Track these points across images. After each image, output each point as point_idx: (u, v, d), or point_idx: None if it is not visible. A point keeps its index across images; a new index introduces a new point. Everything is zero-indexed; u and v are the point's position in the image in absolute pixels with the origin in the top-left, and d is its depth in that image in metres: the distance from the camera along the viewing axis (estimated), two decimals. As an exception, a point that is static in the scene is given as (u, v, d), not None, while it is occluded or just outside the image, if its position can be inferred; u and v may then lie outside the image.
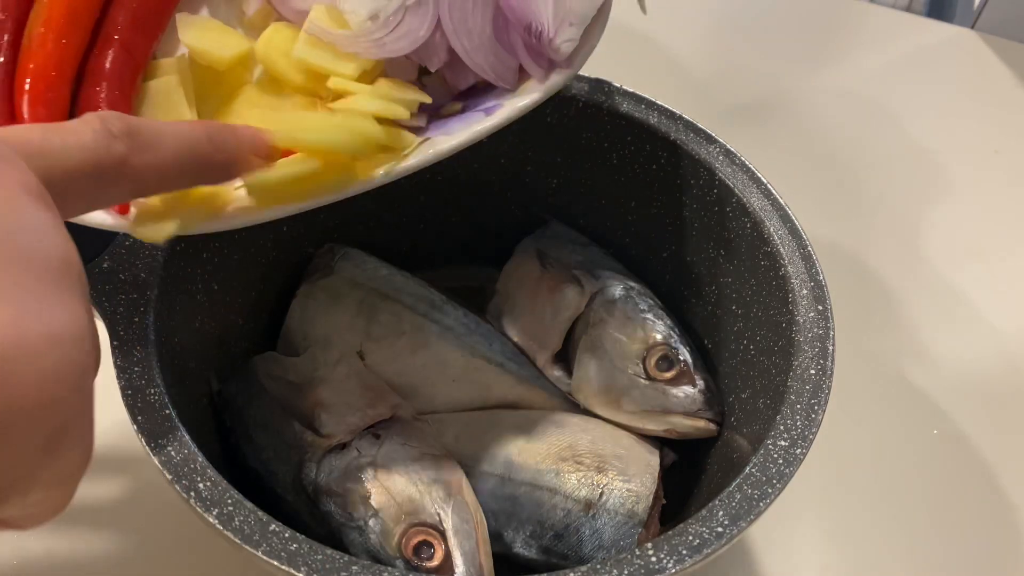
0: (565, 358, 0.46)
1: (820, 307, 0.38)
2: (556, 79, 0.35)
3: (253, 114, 0.34)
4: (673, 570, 0.29)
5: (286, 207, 0.32)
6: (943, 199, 0.68)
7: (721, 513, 0.31)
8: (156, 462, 0.31)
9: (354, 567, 0.28)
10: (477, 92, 0.37)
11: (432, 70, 0.36)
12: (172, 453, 0.31)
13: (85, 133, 0.24)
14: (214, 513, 0.30)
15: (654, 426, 0.43)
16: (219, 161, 0.29)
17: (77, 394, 0.20)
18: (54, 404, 0.19)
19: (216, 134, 0.28)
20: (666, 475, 0.43)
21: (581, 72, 0.46)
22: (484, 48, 0.35)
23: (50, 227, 0.20)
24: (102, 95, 0.33)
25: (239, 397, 0.42)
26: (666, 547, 0.30)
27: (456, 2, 0.34)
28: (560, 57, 0.35)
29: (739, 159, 0.43)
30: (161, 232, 0.30)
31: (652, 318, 0.45)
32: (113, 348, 0.34)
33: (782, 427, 0.34)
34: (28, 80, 0.32)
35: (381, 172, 0.32)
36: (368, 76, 0.34)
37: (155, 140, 0.26)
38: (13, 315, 0.18)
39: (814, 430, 0.34)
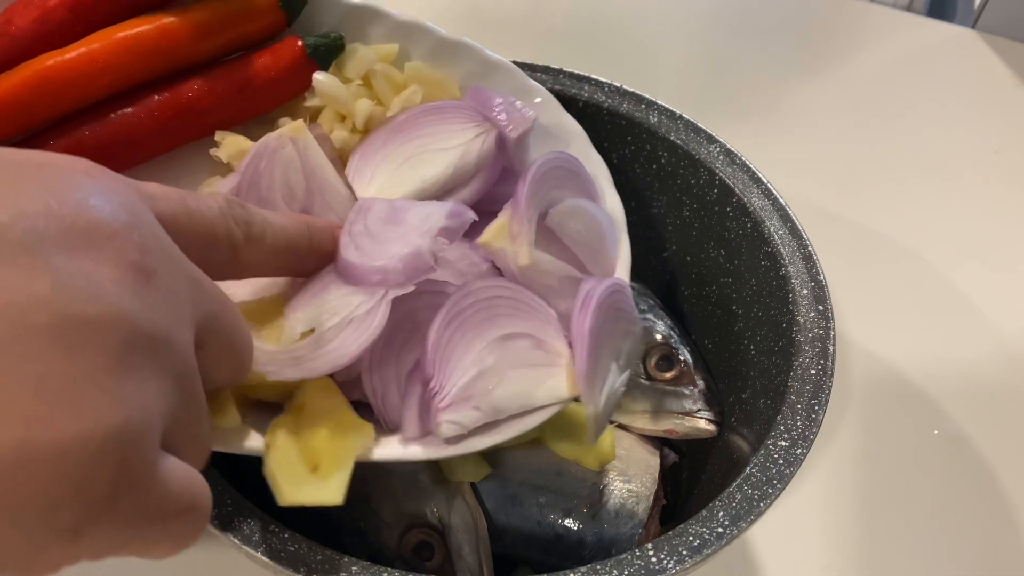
0: (565, 358, 0.46)
1: (820, 307, 0.38)
2: (414, 450, 0.30)
3: None
4: (673, 570, 0.29)
5: None
6: (943, 199, 0.68)
7: (721, 513, 0.31)
8: (156, 462, 0.31)
9: (354, 567, 0.28)
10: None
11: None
12: (172, 453, 0.31)
13: (213, 207, 0.25)
14: (214, 513, 0.29)
15: (654, 426, 0.43)
16: (309, 261, 0.29)
17: (81, 504, 0.17)
18: (48, 511, 0.17)
19: (316, 234, 0.29)
20: (666, 475, 0.43)
21: (582, 72, 0.46)
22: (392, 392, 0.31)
23: (129, 303, 0.18)
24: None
25: (239, 397, 0.42)
26: (666, 547, 0.30)
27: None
28: (435, 432, 0.29)
29: (739, 159, 0.43)
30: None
31: (652, 318, 0.45)
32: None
33: (782, 427, 0.34)
34: None
35: None
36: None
37: (261, 233, 0.26)
38: (25, 419, 0.16)
39: (815, 430, 0.34)
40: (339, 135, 0.37)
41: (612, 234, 0.38)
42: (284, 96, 0.38)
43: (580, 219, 0.36)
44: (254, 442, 0.28)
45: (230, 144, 0.36)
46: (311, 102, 0.38)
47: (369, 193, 0.35)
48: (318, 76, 0.37)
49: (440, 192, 0.36)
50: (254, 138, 0.35)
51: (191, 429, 0.21)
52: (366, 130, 0.38)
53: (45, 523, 0.17)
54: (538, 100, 0.41)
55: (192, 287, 0.22)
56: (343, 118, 0.38)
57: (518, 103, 0.38)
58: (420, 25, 0.40)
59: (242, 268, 0.26)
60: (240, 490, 0.31)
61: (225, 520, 0.29)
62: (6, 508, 0.16)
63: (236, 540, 0.29)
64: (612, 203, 0.40)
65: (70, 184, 0.19)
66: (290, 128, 0.34)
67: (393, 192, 0.35)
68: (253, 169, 0.33)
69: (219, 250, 0.25)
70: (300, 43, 0.38)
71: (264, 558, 0.28)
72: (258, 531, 0.29)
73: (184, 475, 0.20)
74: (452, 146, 0.36)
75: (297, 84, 0.38)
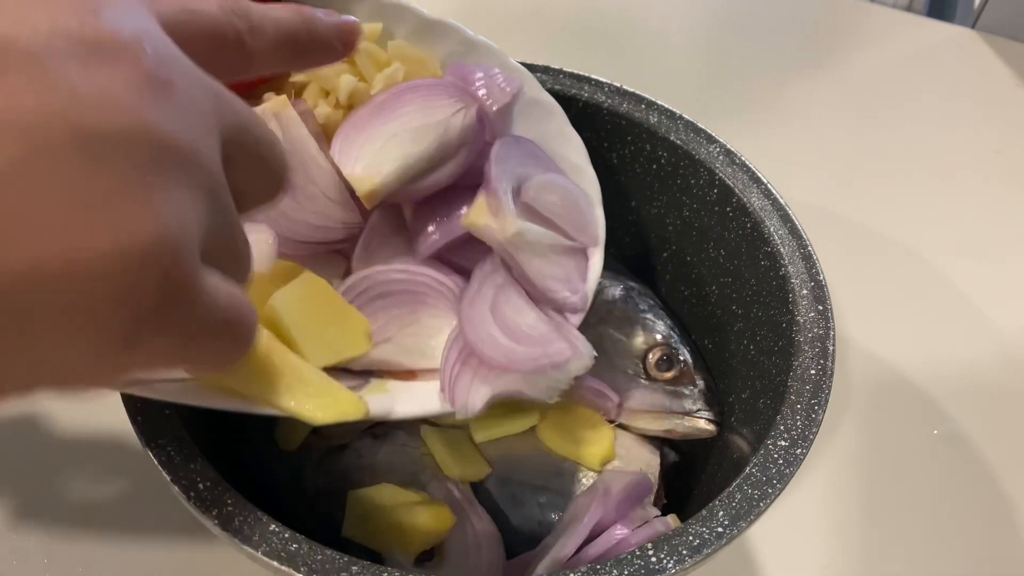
0: (565, 358, 0.46)
1: (820, 307, 0.38)
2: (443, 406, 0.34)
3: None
4: (673, 570, 0.29)
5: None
6: (943, 199, 0.68)
7: (721, 513, 0.31)
8: (156, 462, 0.31)
9: (354, 567, 0.28)
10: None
11: None
12: (172, 453, 0.31)
13: (212, 3, 0.24)
14: (214, 513, 0.29)
15: (654, 426, 0.43)
16: (312, 51, 0.29)
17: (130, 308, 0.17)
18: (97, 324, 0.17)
19: (311, 23, 0.28)
20: (666, 475, 0.43)
21: (582, 72, 0.46)
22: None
23: (150, 113, 0.18)
24: None
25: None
26: (666, 547, 0.30)
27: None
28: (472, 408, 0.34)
29: (739, 159, 0.43)
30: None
31: (652, 318, 0.45)
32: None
33: (782, 427, 0.34)
34: None
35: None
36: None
37: (261, 23, 0.26)
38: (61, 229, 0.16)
39: (814, 430, 0.34)
40: (322, 111, 0.38)
41: (588, 203, 0.40)
42: (273, 73, 0.39)
43: (554, 191, 0.38)
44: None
45: None
46: (296, 77, 0.39)
47: (356, 172, 0.35)
48: None
49: (426, 167, 0.36)
50: None
51: (229, 246, 0.21)
52: (349, 106, 0.38)
53: (97, 333, 0.17)
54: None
55: (212, 97, 0.21)
56: (327, 93, 0.39)
57: (499, 77, 0.39)
58: (403, 5, 0.40)
59: (249, 64, 0.26)
60: (240, 490, 0.31)
61: (226, 520, 0.29)
62: (57, 320, 0.16)
63: (236, 540, 0.29)
64: (589, 178, 0.41)
65: None
66: (273, 104, 0.35)
67: (380, 170, 0.35)
68: None
69: (226, 49, 0.24)
70: None
71: (264, 558, 0.28)
72: (258, 531, 0.29)
73: (228, 290, 0.20)
74: (434, 122, 0.36)
75: None
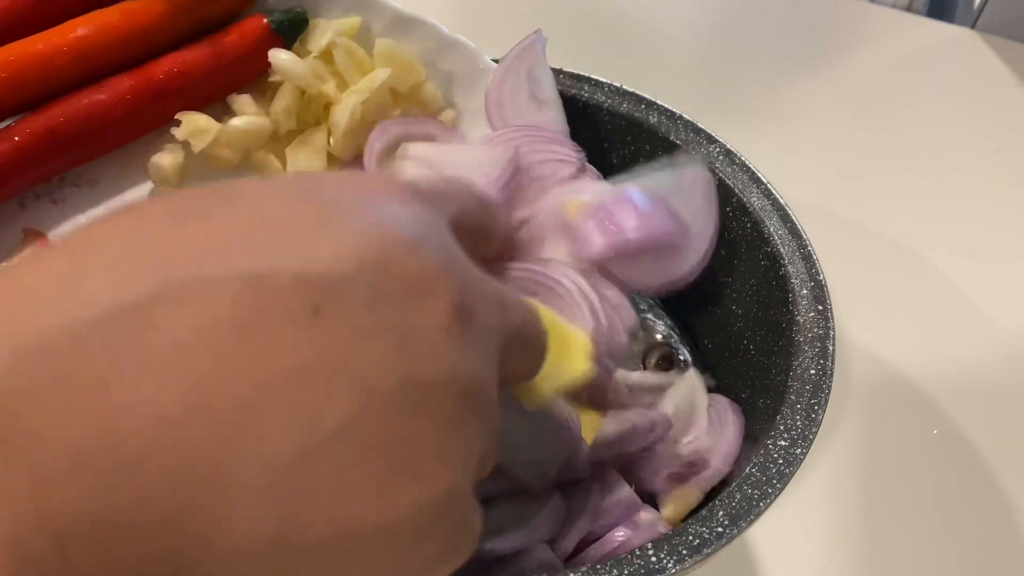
0: (565, 358, 0.46)
1: (820, 307, 0.38)
2: None
3: None
4: (673, 570, 0.29)
5: None
6: (943, 199, 0.68)
7: (721, 513, 0.31)
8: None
9: (354, 567, 0.28)
10: None
11: None
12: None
13: (465, 192, 0.24)
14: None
15: (654, 426, 0.43)
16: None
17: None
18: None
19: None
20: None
21: (579, 71, 0.46)
22: None
23: (459, 354, 0.18)
24: None
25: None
26: (666, 547, 0.30)
27: None
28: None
29: (739, 159, 0.43)
30: None
31: (652, 318, 0.45)
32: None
33: (782, 427, 0.34)
34: None
35: None
36: None
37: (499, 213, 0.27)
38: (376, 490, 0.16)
39: (814, 430, 0.34)
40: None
41: None
42: (252, 74, 0.39)
43: None
44: None
45: (189, 123, 0.36)
46: (275, 78, 0.38)
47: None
48: (277, 54, 0.38)
49: None
50: (217, 118, 0.36)
51: (489, 464, 0.20)
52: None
53: None
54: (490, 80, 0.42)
55: (497, 308, 0.20)
56: (302, 92, 0.39)
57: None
58: (377, 1, 0.40)
59: (489, 252, 0.25)
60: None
61: (225, 520, 0.29)
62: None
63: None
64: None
65: (395, 220, 0.18)
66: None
67: None
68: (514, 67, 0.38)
69: (480, 242, 0.24)
70: (265, 20, 0.38)
71: (264, 558, 0.28)
72: (258, 531, 0.29)
73: (480, 513, 0.20)
74: None
75: (264, 61, 0.38)
